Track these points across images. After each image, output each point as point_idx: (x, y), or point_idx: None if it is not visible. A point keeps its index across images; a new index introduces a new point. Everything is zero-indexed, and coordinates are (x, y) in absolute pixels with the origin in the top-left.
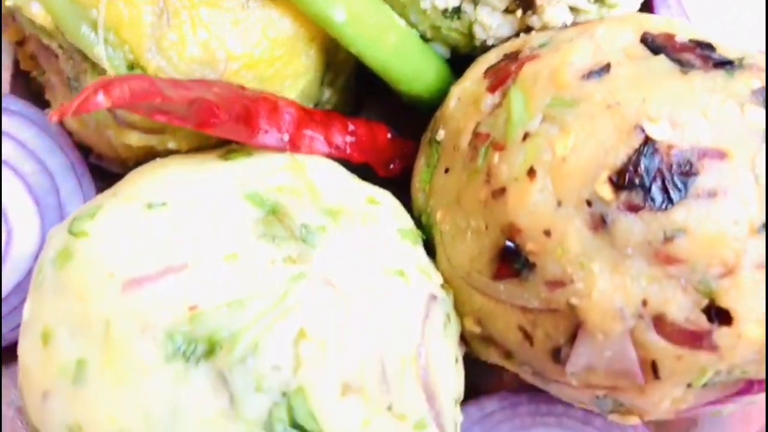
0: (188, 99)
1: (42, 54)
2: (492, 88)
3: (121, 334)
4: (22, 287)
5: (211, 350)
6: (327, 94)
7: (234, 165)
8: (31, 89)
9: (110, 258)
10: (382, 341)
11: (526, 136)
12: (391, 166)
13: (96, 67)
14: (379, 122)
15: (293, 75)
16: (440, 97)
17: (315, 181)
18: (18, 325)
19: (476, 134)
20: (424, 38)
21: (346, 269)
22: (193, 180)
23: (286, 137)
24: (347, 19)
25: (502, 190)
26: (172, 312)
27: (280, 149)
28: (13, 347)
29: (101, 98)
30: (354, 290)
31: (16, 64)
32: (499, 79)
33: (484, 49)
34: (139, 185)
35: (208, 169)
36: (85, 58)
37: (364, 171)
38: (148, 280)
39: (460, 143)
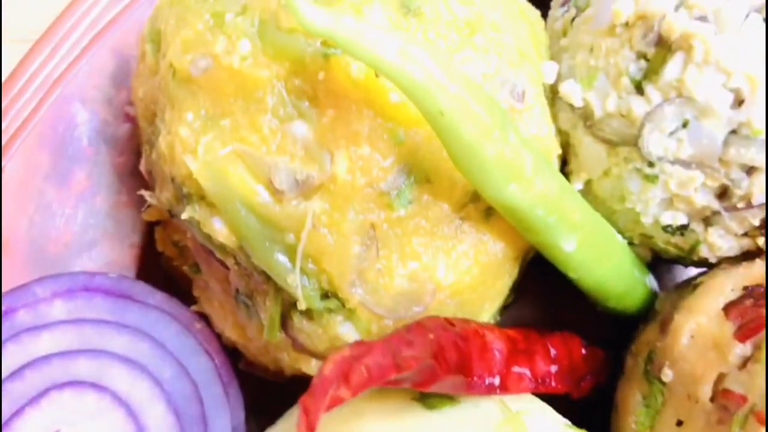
0: (416, 364)
1: (202, 257)
2: (742, 337)
3: None
4: None
5: None
6: (510, 299)
7: (441, 417)
8: (161, 270)
9: None
10: None
11: None
12: (582, 383)
13: (279, 292)
14: (573, 334)
15: (493, 296)
16: (645, 308)
17: None
18: None
19: (724, 391)
20: (630, 243)
21: None
22: None
23: (497, 381)
24: (577, 248)
25: None
26: None
27: (489, 392)
28: None
29: (344, 392)
30: None
31: (145, 240)
32: (750, 327)
33: (698, 262)
34: None
35: (413, 423)
36: (267, 279)
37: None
38: None
39: (698, 394)
